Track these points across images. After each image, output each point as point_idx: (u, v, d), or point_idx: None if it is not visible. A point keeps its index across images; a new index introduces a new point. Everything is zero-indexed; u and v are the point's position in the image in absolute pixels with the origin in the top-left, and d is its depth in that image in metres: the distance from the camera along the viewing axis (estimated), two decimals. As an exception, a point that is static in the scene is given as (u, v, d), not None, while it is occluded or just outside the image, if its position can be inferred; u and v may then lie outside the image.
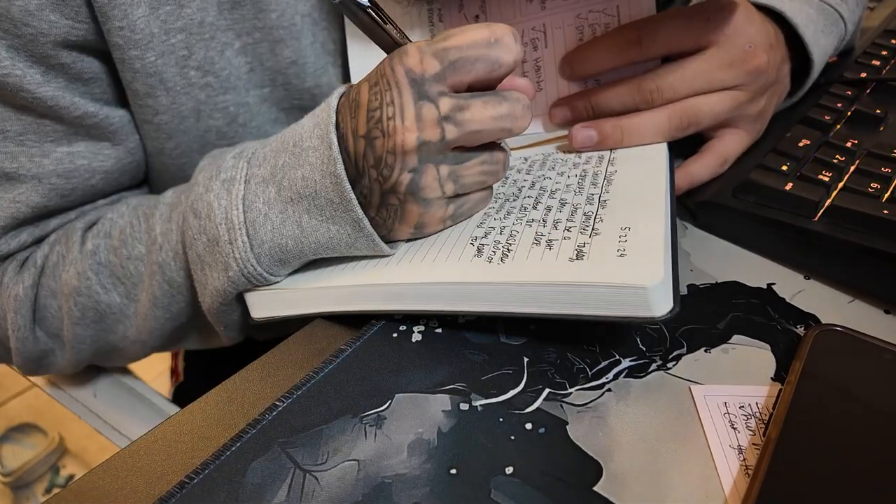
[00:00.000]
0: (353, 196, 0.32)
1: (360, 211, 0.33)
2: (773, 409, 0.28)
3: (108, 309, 0.42)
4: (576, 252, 0.31)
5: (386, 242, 0.35)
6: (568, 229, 0.33)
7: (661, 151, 0.39)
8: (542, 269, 0.30)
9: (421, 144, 0.31)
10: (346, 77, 0.49)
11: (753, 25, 0.39)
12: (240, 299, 0.38)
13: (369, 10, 0.33)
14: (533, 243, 0.32)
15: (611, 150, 0.41)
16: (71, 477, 1.28)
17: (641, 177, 0.36)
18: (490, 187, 0.37)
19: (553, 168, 0.41)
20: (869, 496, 0.24)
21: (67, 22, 0.37)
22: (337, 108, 0.34)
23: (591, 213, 0.33)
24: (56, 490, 1.12)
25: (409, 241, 0.36)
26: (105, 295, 0.41)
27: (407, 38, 0.35)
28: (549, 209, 0.35)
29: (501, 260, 0.32)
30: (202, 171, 0.38)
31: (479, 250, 0.33)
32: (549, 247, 0.32)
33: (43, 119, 0.40)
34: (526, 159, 0.43)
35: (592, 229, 0.32)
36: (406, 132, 0.31)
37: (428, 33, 0.47)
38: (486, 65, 0.31)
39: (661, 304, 0.28)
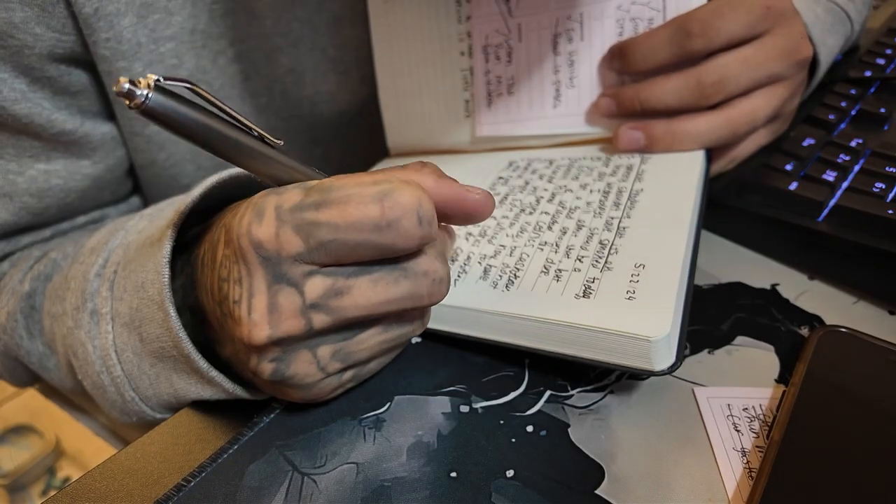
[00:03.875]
0: (215, 373, 0.28)
1: (230, 384, 0.28)
2: (777, 411, 0.28)
3: (27, 356, 0.39)
4: (583, 288, 0.29)
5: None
6: (580, 259, 0.31)
7: (696, 168, 0.36)
8: (546, 305, 0.29)
9: (279, 340, 0.24)
10: (349, 84, 0.47)
11: (800, 14, 0.38)
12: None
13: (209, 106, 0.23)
14: (542, 272, 0.31)
15: (641, 161, 0.39)
16: (67, 479, 1.27)
17: (668, 200, 0.34)
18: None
19: (577, 178, 0.38)
20: (873, 499, 0.24)
21: (53, 35, 0.37)
22: (212, 227, 0.28)
23: (606, 242, 0.32)
24: (52, 492, 1.12)
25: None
26: (29, 341, 0.38)
27: (269, 142, 0.24)
28: (564, 231, 0.34)
29: (506, 287, 0.31)
30: (69, 289, 0.33)
31: (485, 272, 0.32)
32: (558, 278, 0.30)
33: (20, 135, 0.40)
34: (551, 162, 0.41)
35: (605, 263, 0.30)
36: (253, 327, 0.23)
37: (454, 14, 0.44)
38: (371, 251, 0.23)
39: (662, 359, 0.26)
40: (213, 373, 0.28)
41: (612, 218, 0.34)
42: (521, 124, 0.44)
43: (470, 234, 0.35)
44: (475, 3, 0.43)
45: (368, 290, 0.24)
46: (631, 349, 0.27)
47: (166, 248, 0.28)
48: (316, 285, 0.23)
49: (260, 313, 0.23)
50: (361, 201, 0.22)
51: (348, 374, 0.28)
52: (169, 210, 0.32)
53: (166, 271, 0.27)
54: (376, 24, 0.46)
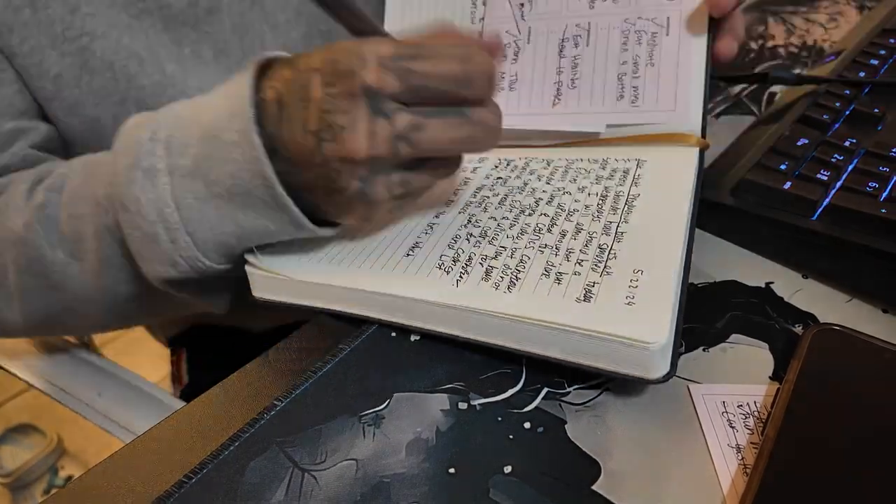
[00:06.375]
0: (288, 200, 0.32)
1: (297, 212, 0.32)
2: (772, 408, 0.28)
3: (51, 266, 0.39)
4: (584, 292, 0.30)
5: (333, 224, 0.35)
6: (580, 262, 0.32)
7: (689, 172, 0.38)
8: (547, 308, 0.29)
9: (371, 160, 0.30)
10: None
11: None
12: (194, 282, 0.37)
13: None
14: (542, 275, 0.32)
15: (637, 165, 0.40)
16: (70, 478, 1.27)
17: (663, 206, 0.35)
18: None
19: (574, 181, 0.39)
20: (867, 495, 0.24)
21: None
22: (271, 79, 0.32)
23: (605, 247, 0.33)
24: (55, 491, 1.12)
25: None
26: (50, 251, 0.39)
27: (379, 27, 0.32)
28: (563, 234, 0.34)
29: (508, 289, 0.31)
30: (118, 153, 0.35)
31: (487, 273, 0.32)
32: (559, 281, 0.31)
33: None
34: (549, 163, 0.42)
35: (604, 268, 0.31)
36: (357, 145, 0.29)
37: (469, 16, 0.46)
38: (449, 97, 0.30)
39: (658, 366, 0.27)
40: (286, 198, 0.32)
41: (611, 222, 0.34)
42: (519, 118, 0.45)
43: (471, 234, 0.36)
44: (490, 6, 0.45)
45: (440, 128, 0.30)
46: (629, 356, 0.27)
47: (249, 82, 0.32)
48: (402, 119, 0.29)
49: (363, 134, 0.29)
50: (450, 61, 0.29)
51: (398, 202, 0.33)
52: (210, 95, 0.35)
53: (251, 109, 0.31)
54: (392, 25, 0.47)
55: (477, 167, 0.44)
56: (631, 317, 0.28)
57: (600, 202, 0.37)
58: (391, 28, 0.46)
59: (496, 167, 0.43)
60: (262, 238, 0.35)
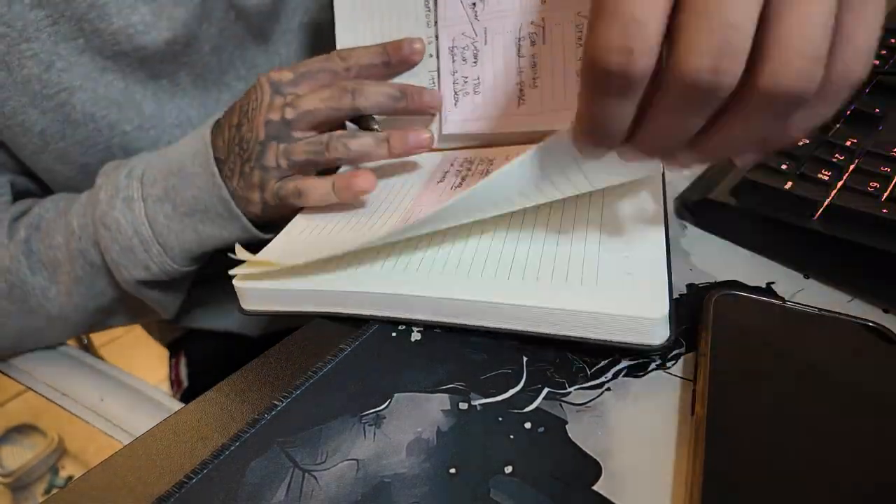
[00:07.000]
0: (238, 212, 0.43)
1: (244, 219, 0.43)
2: (693, 384, 0.29)
3: (32, 289, 0.46)
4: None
5: (253, 221, 0.44)
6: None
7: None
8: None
9: (267, 122, 0.41)
10: (160, 12, 0.46)
11: None
12: (159, 284, 0.47)
13: None
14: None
15: None
16: (70, 478, 1.27)
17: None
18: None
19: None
20: (810, 449, 0.25)
21: None
22: (217, 121, 0.44)
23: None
24: (55, 491, 1.12)
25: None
26: (31, 277, 0.46)
27: None
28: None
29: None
30: (101, 188, 0.44)
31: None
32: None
33: None
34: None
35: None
36: (260, 115, 0.41)
37: (423, 18, 0.46)
38: (327, 74, 0.43)
39: (661, 333, 0.30)
40: (237, 210, 0.43)
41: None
42: (487, 122, 0.45)
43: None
44: (442, 8, 0.45)
45: (311, 94, 0.41)
46: (635, 327, 0.29)
47: (207, 132, 0.43)
48: (291, 95, 0.41)
49: (266, 105, 0.41)
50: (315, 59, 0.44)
51: (284, 172, 0.42)
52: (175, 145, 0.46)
53: (210, 148, 0.42)
54: (343, 27, 0.47)
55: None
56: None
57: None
58: (342, 36, 0.47)
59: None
60: (216, 243, 0.45)
